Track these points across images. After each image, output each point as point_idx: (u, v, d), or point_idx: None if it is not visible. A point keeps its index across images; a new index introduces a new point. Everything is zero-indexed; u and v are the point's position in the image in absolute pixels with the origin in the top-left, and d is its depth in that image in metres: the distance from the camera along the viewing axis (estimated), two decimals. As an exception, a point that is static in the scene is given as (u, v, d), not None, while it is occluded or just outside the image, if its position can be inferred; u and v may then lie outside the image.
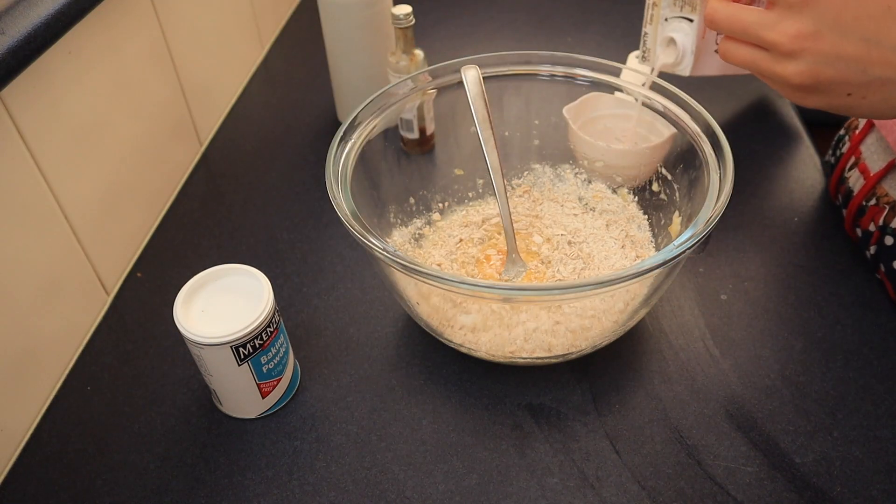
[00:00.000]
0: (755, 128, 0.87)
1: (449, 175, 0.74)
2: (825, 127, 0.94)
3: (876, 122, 0.64)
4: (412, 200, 0.71)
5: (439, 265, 0.67)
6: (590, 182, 0.74)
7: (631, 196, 0.71)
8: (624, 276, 0.48)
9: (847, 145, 0.73)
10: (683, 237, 0.51)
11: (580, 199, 0.73)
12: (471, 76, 0.61)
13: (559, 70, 0.68)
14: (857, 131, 0.72)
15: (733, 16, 0.45)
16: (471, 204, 0.74)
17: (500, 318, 0.58)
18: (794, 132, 0.86)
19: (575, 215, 0.72)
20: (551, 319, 0.58)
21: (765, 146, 0.84)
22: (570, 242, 0.68)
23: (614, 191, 0.73)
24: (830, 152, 0.79)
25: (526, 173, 0.75)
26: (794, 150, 0.84)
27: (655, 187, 0.68)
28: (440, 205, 0.73)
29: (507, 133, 0.74)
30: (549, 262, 0.67)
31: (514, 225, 0.68)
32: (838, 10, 0.42)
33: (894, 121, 0.58)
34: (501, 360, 0.60)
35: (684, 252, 0.50)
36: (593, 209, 0.72)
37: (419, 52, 0.79)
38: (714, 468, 0.54)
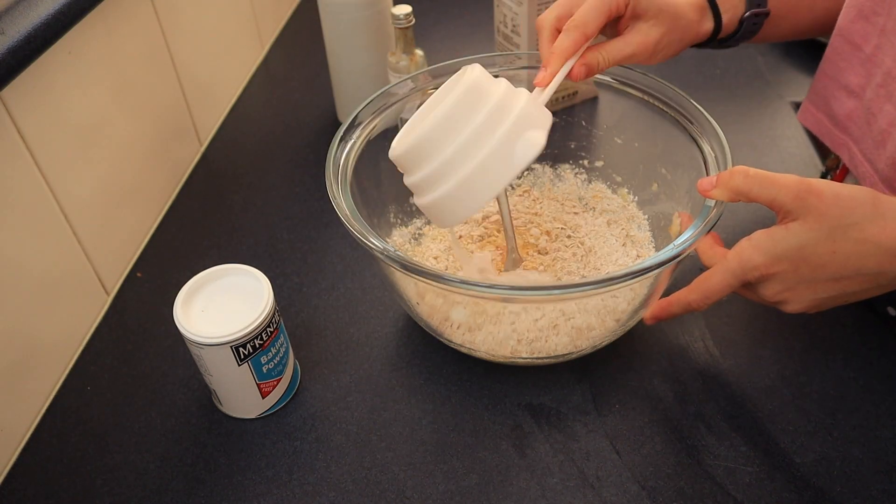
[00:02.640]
0: (756, 128, 0.87)
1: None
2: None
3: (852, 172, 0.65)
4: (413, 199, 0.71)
5: (436, 258, 0.67)
6: (590, 182, 0.74)
7: (631, 196, 0.71)
8: (623, 275, 0.48)
9: None
10: (683, 237, 0.51)
11: (580, 198, 0.73)
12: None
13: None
14: (836, 172, 0.72)
15: (709, 291, 0.52)
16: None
17: (499, 318, 0.58)
18: (794, 133, 0.86)
19: (575, 213, 0.72)
20: (551, 319, 0.58)
21: (765, 147, 0.84)
22: (569, 236, 0.68)
23: (614, 191, 0.73)
24: None
25: (526, 173, 0.75)
26: (795, 151, 0.84)
27: (655, 188, 0.68)
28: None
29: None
30: (547, 251, 0.67)
31: (514, 222, 0.68)
32: (795, 270, 0.48)
33: (869, 174, 0.61)
34: (501, 360, 0.60)
35: (684, 252, 0.50)
36: (593, 209, 0.72)
37: (419, 52, 0.79)
38: (714, 468, 0.54)
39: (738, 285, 0.51)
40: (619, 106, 0.67)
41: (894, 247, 0.45)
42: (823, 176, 0.79)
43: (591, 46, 0.56)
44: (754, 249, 0.49)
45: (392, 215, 0.69)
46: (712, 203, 0.52)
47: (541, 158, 0.75)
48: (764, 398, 0.58)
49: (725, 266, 0.50)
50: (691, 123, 0.60)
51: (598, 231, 0.69)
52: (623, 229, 0.69)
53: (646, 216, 0.70)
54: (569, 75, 0.56)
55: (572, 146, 0.73)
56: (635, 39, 0.57)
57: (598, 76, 0.66)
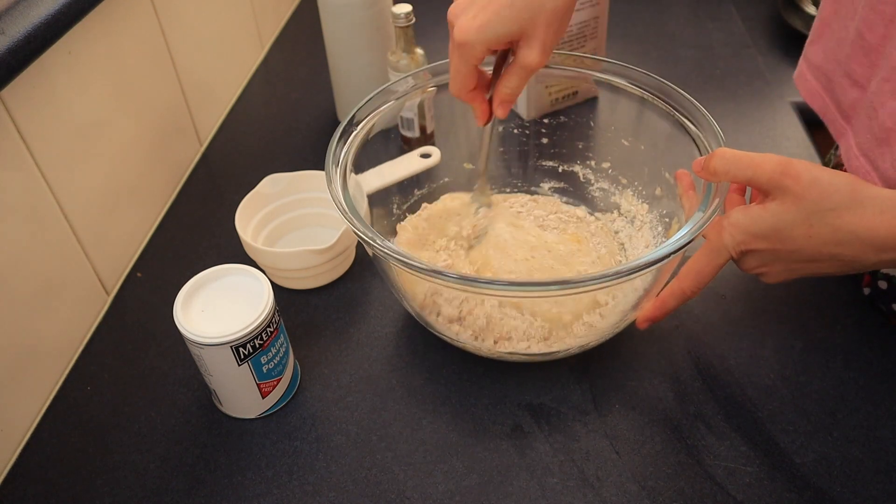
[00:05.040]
0: (756, 128, 0.87)
1: (451, 172, 0.73)
2: (825, 128, 0.93)
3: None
4: (416, 193, 0.72)
5: (437, 252, 0.67)
6: (596, 183, 0.74)
7: (635, 199, 0.71)
8: (620, 272, 0.48)
9: None
10: (679, 234, 0.50)
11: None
12: None
13: (561, 69, 0.68)
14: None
15: (700, 274, 0.53)
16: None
17: (498, 313, 0.58)
18: (794, 133, 0.86)
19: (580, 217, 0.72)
20: (548, 317, 0.58)
21: (765, 147, 0.84)
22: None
23: (620, 192, 0.72)
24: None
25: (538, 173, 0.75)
26: (794, 151, 0.84)
27: (659, 191, 0.68)
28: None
29: (515, 131, 0.74)
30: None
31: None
32: (772, 249, 0.49)
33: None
34: (499, 357, 0.60)
35: (678, 250, 0.49)
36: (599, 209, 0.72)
37: (419, 51, 0.79)
38: (714, 468, 0.54)
39: (724, 263, 0.51)
40: (620, 106, 0.67)
41: (870, 237, 0.45)
42: (836, 168, 0.78)
43: (500, 77, 0.55)
44: (732, 227, 0.49)
45: (395, 206, 0.69)
46: (707, 202, 0.52)
47: (548, 158, 0.75)
48: (764, 398, 0.58)
49: (708, 246, 0.51)
50: (691, 123, 0.60)
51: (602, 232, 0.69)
52: (626, 232, 0.69)
53: (648, 218, 0.70)
54: (498, 116, 0.57)
55: (580, 146, 0.73)
56: (527, 59, 0.52)
57: (597, 75, 0.66)
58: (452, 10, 0.53)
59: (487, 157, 0.63)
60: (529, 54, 0.52)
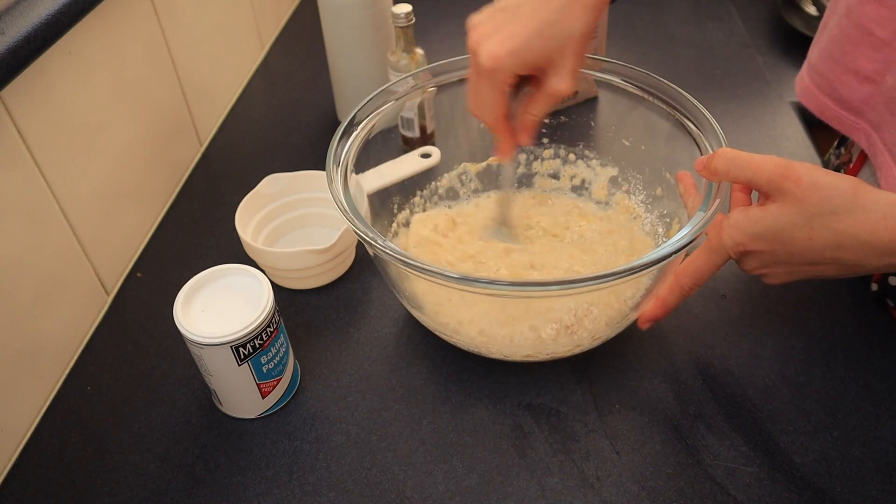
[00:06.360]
0: (756, 128, 0.87)
1: (452, 171, 0.73)
2: (825, 128, 0.93)
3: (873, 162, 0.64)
4: (419, 194, 0.72)
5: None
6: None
7: (636, 199, 0.71)
8: (620, 273, 0.48)
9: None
10: (680, 234, 0.51)
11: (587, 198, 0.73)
12: None
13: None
14: (850, 165, 0.71)
15: (698, 271, 0.53)
16: (473, 200, 0.74)
17: (497, 313, 0.58)
18: (794, 133, 0.86)
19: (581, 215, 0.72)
20: (545, 316, 0.58)
21: (765, 147, 0.84)
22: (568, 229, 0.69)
23: (620, 191, 0.73)
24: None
25: (535, 173, 0.75)
26: (794, 151, 0.84)
27: (659, 191, 0.68)
28: (440, 203, 0.73)
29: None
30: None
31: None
32: (772, 251, 0.48)
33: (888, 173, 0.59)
34: (500, 357, 0.60)
35: (679, 250, 0.49)
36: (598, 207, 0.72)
37: (419, 51, 0.79)
38: (714, 468, 0.54)
39: (723, 262, 0.51)
40: (620, 106, 0.67)
41: (872, 241, 0.45)
42: (837, 170, 0.78)
43: (525, 103, 0.55)
44: (732, 228, 0.49)
45: (396, 206, 0.69)
46: (708, 202, 0.52)
47: (549, 157, 0.75)
48: (764, 398, 0.58)
49: (708, 245, 0.51)
50: (692, 123, 0.60)
51: (600, 232, 0.69)
52: (626, 231, 0.69)
53: (648, 218, 0.70)
54: (521, 143, 0.58)
55: (580, 146, 0.73)
56: (557, 87, 0.53)
57: (598, 75, 0.66)
58: (474, 37, 0.52)
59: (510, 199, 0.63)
60: (559, 83, 0.52)
